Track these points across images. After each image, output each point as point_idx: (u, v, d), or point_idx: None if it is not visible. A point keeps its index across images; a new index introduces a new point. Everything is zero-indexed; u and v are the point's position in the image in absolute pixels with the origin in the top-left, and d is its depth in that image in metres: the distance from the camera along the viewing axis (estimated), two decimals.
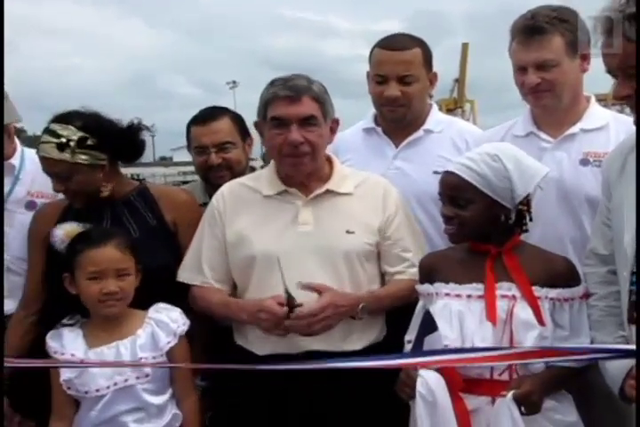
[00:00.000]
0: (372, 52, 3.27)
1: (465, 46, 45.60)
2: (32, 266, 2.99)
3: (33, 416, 2.91)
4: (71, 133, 2.79)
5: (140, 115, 2.95)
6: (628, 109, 2.29)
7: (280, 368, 2.35)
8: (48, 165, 2.83)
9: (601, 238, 2.48)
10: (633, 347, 1.94)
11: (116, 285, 2.59)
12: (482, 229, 2.49)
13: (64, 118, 2.84)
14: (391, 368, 2.30)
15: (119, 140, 2.88)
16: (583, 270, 2.55)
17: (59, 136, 2.78)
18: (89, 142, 2.80)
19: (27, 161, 3.33)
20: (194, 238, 2.89)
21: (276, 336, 2.65)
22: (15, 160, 3.32)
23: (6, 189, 3.23)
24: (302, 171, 2.78)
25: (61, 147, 2.78)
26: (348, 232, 2.74)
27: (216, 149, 3.37)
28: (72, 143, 2.78)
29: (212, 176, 3.38)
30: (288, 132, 2.69)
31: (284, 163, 2.76)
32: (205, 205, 3.08)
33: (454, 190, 2.48)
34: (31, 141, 3.51)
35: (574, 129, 2.95)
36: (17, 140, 3.39)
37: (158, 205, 2.97)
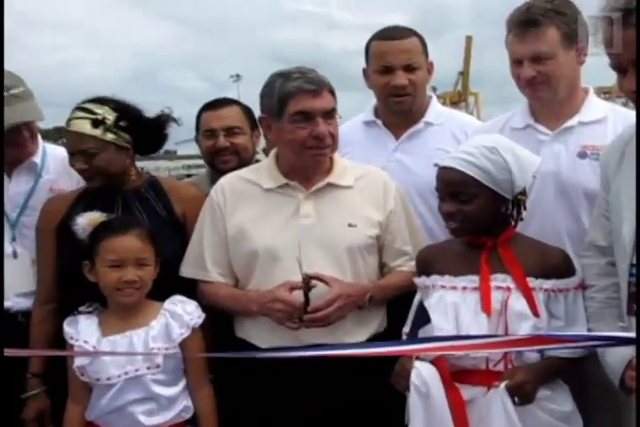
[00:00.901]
0: (369, 46, 3.29)
1: (469, 39, 45.45)
2: (44, 259, 2.99)
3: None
4: (107, 112, 2.85)
5: (143, 108, 2.98)
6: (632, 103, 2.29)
7: (275, 356, 2.40)
8: (76, 140, 2.85)
9: (600, 230, 2.49)
10: (633, 334, 1.94)
11: (135, 274, 2.61)
12: (485, 222, 2.50)
13: (97, 100, 2.89)
14: (386, 357, 2.30)
15: (148, 129, 2.95)
16: (582, 262, 2.56)
17: (94, 113, 2.83)
18: (122, 124, 2.86)
19: (49, 157, 3.31)
20: (194, 232, 2.89)
21: (279, 330, 2.67)
22: (37, 158, 3.29)
23: (28, 186, 3.23)
24: (322, 162, 2.80)
25: (96, 123, 2.82)
26: (350, 225, 2.75)
27: (225, 132, 3.43)
28: (108, 121, 2.83)
29: (219, 160, 3.43)
30: (313, 126, 2.69)
31: (306, 155, 2.75)
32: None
33: (457, 186, 2.48)
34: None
35: (572, 122, 2.95)
36: (40, 139, 3.36)
37: (168, 198, 3.00)
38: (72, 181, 3.18)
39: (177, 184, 3.18)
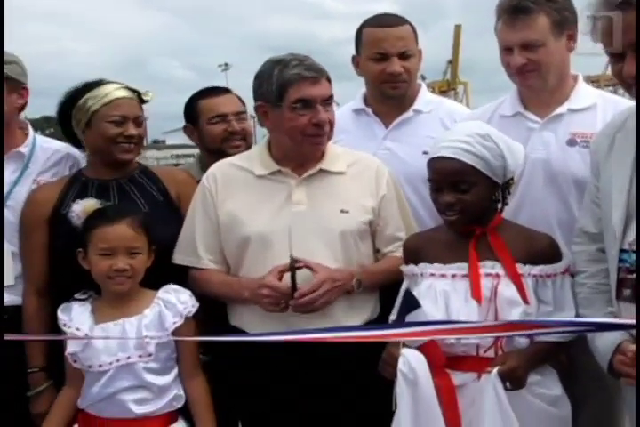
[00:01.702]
0: (361, 33, 3.27)
1: (458, 28, 45.36)
2: (33, 249, 2.95)
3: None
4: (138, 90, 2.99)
5: None
6: (621, 90, 2.33)
7: (262, 340, 2.39)
8: (132, 106, 2.94)
9: (590, 217, 2.51)
10: (632, 321, 1.97)
11: (126, 262, 2.62)
12: (482, 211, 2.52)
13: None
14: (374, 343, 2.31)
15: None
16: (572, 249, 2.58)
17: (131, 88, 2.96)
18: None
19: (37, 149, 3.23)
20: (186, 220, 2.90)
21: (273, 317, 2.67)
22: (25, 148, 3.21)
23: (14, 176, 3.15)
24: (320, 150, 2.82)
25: (138, 96, 2.98)
26: (342, 211, 2.75)
27: (235, 117, 3.44)
28: (144, 97, 2.99)
29: (229, 146, 3.41)
30: (314, 113, 2.71)
31: (306, 142, 2.76)
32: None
33: (456, 175, 2.47)
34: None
35: (561, 109, 2.95)
36: (30, 127, 3.30)
37: (162, 182, 3.02)
38: (57, 177, 3.15)
39: (167, 169, 3.22)
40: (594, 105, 2.94)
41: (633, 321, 2.03)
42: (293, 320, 2.65)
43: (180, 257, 2.88)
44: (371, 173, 2.87)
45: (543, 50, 2.86)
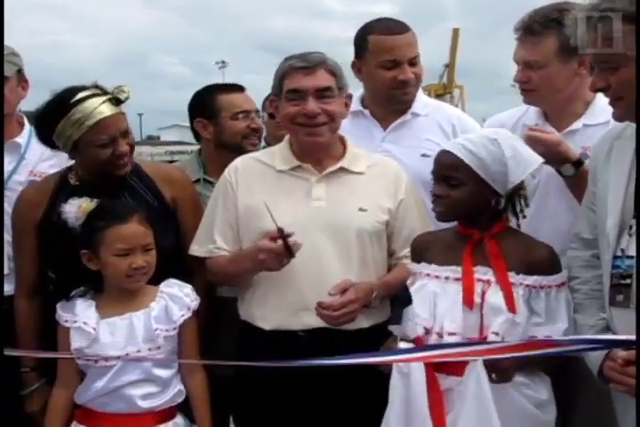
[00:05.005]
0: (365, 41, 3.24)
1: (455, 32, 45.18)
2: (25, 250, 2.90)
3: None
4: (112, 91, 2.74)
5: None
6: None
7: (262, 365, 2.41)
8: (116, 122, 2.72)
9: (586, 223, 2.51)
10: (633, 337, 1.98)
11: (144, 259, 2.60)
12: (470, 210, 2.49)
13: (87, 86, 2.75)
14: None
15: None
16: (568, 254, 2.57)
17: (107, 91, 2.73)
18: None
19: (33, 140, 3.21)
20: (206, 212, 2.90)
21: (283, 312, 2.70)
22: (21, 138, 3.24)
23: (10, 167, 3.16)
24: (319, 141, 2.80)
25: (116, 101, 2.71)
26: (360, 210, 2.75)
27: (256, 115, 3.51)
28: (119, 97, 2.72)
29: (248, 142, 3.43)
30: (304, 104, 2.72)
31: (299, 132, 2.77)
32: (199, 181, 3.19)
33: (448, 170, 2.47)
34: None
35: (577, 124, 2.93)
36: (25, 119, 3.32)
37: (155, 184, 2.92)
38: (54, 168, 3.13)
39: (160, 168, 3.10)
40: (610, 120, 2.87)
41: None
42: (304, 316, 2.67)
43: (196, 248, 2.88)
44: (390, 176, 2.88)
45: (544, 72, 2.85)
